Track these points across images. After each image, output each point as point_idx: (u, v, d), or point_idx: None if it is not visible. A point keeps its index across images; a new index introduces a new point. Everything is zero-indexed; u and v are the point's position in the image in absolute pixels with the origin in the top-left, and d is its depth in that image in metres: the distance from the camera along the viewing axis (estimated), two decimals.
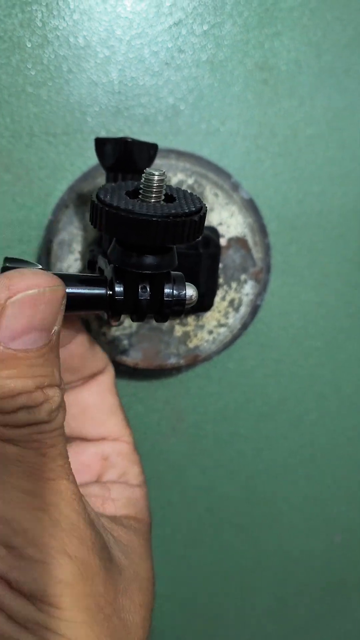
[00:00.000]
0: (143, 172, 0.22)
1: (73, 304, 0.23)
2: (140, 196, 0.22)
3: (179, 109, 0.38)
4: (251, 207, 0.37)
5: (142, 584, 0.26)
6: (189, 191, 0.24)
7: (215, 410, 0.43)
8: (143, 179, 0.22)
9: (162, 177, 0.22)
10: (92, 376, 0.31)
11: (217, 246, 0.35)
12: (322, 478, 0.47)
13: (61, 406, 0.22)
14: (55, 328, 0.21)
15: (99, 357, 0.31)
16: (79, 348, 0.29)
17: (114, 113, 0.37)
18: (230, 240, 0.37)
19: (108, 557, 0.25)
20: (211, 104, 0.38)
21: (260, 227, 0.37)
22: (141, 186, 0.22)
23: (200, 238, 0.35)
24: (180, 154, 0.36)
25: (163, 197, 0.22)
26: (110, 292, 0.24)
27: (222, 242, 0.36)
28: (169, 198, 0.23)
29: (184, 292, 0.24)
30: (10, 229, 0.36)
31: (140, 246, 0.22)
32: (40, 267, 0.23)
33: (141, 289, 0.24)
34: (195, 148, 0.38)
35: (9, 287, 0.20)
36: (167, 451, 0.43)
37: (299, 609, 0.51)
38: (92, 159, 0.36)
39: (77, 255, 0.35)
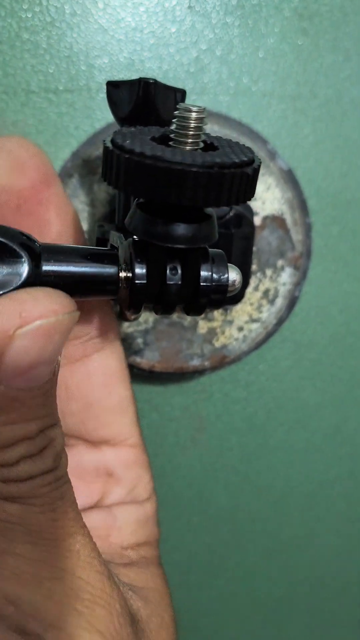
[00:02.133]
0: (176, 109, 0.16)
1: (71, 288, 0.17)
2: (171, 142, 0.16)
3: (204, 63, 0.32)
4: (290, 180, 0.31)
5: (169, 629, 0.23)
6: (233, 140, 0.18)
7: (242, 419, 0.38)
8: (176, 118, 0.16)
9: (201, 115, 0.16)
10: (94, 345, 0.24)
11: (251, 225, 0.29)
12: None
13: (64, 447, 0.19)
14: (59, 357, 0.18)
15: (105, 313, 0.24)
16: None
17: (126, 66, 0.31)
18: (265, 218, 0.31)
19: (134, 616, 0.21)
20: (242, 58, 0.32)
21: (301, 204, 0.31)
22: (173, 128, 0.16)
23: (232, 214, 0.29)
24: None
25: (201, 145, 0.17)
26: (129, 275, 0.18)
27: (257, 220, 0.30)
28: (209, 147, 0.17)
29: (226, 275, 0.18)
30: None
31: (171, 210, 0.16)
32: (23, 232, 0.17)
33: (170, 270, 0.18)
34: (222, 109, 0.32)
35: (20, 314, 0.16)
36: (186, 466, 0.38)
37: None
38: (101, 121, 0.31)
39: (84, 235, 0.29)
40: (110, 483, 0.25)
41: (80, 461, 0.25)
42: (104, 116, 0.31)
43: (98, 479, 0.25)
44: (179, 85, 0.32)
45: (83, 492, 0.24)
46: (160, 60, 0.31)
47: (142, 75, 0.31)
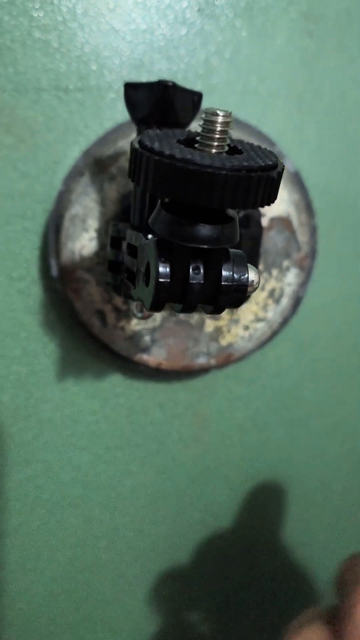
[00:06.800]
0: (203, 113, 0.16)
1: None
2: (197, 145, 0.17)
3: (212, 64, 0.32)
4: (297, 182, 0.31)
5: None
6: (256, 144, 0.18)
7: (244, 417, 0.38)
8: (202, 121, 0.16)
9: (227, 119, 0.16)
10: None
11: (259, 226, 0.30)
12: None
13: None
14: None
15: None
16: None
17: (136, 67, 0.31)
18: (272, 220, 0.31)
19: None
20: (249, 59, 0.32)
21: (307, 206, 0.32)
22: (199, 131, 0.16)
23: (241, 214, 0.29)
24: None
25: (226, 148, 0.17)
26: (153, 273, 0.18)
27: (264, 221, 0.31)
28: (234, 150, 0.17)
29: (246, 275, 0.19)
30: (10, 202, 0.30)
31: (196, 211, 0.17)
32: None
33: (193, 269, 0.18)
34: (231, 110, 0.32)
35: None
36: (188, 463, 0.38)
37: None
38: (110, 121, 0.31)
39: (93, 234, 0.29)
40: None
41: None
42: (113, 116, 0.31)
43: None
44: (187, 85, 0.32)
45: None
46: (169, 61, 0.31)
47: (152, 76, 0.31)
